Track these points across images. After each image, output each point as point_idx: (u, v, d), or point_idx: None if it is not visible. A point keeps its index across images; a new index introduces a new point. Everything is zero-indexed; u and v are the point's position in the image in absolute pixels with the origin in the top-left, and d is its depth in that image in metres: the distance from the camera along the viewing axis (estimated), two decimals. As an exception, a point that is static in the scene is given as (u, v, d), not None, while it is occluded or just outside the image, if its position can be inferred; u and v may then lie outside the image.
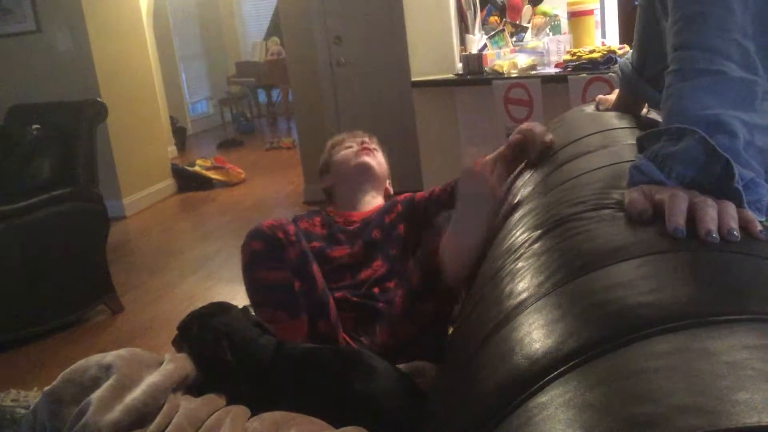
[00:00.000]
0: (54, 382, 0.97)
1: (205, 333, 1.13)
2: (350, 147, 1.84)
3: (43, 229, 2.97)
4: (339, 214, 1.78)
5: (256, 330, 1.17)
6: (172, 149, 7.18)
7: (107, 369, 0.96)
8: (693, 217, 0.68)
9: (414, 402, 1.12)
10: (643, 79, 1.33)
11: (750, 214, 0.70)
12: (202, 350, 1.12)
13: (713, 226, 0.65)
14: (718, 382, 0.42)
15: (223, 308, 1.22)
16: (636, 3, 1.32)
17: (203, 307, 1.22)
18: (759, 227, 0.68)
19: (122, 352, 1.01)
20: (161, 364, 1.04)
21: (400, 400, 1.13)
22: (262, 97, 10.06)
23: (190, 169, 6.01)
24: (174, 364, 1.03)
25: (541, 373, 0.54)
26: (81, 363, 0.99)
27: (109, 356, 0.98)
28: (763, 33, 0.81)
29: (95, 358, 0.99)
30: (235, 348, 1.12)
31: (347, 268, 1.61)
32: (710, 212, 0.67)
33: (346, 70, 4.72)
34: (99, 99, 3.66)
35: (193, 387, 1.08)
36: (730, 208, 0.69)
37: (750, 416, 0.38)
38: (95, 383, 0.95)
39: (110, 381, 0.93)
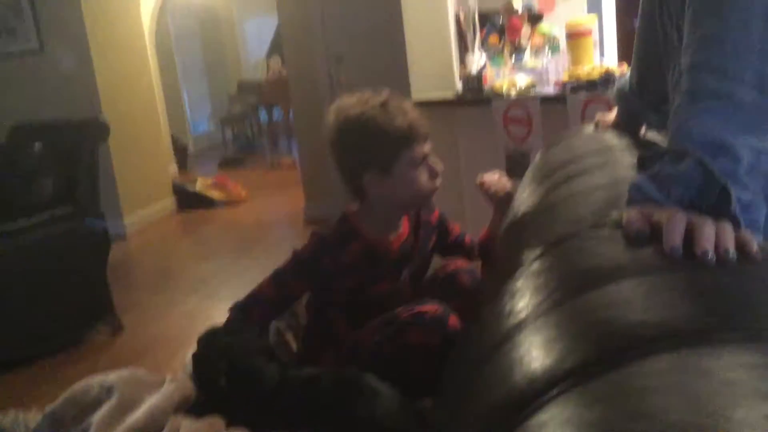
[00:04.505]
0: (55, 403, 0.97)
1: (207, 351, 1.14)
2: (421, 163, 1.37)
3: (44, 248, 2.98)
4: (378, 240, 1.39)
5: (262, 358, 1.17)
6: (173, 168, 7.20)
7: (109, 390, 0.96)
8: (690, 237, 0.68)
9: (417, 424, 1.12)
10: (643, 102, 1.34)
11: (747, 235, 0.70)
12: (198, 368, 1.12)
13: (710, 247, 0.66)
14: (715, 400, 0.42)
15: (237, 329, 1.21)
16: (635, 23, 1.33)
17: (224, 323, 1.22)
18: (756, 248, 0.68)
19: (124, 373, 1.02)
20: (162, 384, 1.04)
21: (403, 423, 1.13)
22: (263, 115, 10.11)
23: (191, 187, 6.03)
24: (175, 385, 1.03)
25: (541, 391, 0.54)
26: (82, 383, 0.99)
27: (111, 377, 0.99)
28: None
29: (97, 379, 0.99)
30: (237, 373, 1.12)
31: (385, 302, 1.36)
32: (707, 232, 0.68)
33: (347, 89, 4.74)
34: (101, 118, 3.69)
35: (195, 408, 1.08)
36: (727, 229, 0.69)
37: (746, 435, 0.38)
38: (96, 404, 0.95)
39: (111, 402, 0.93)
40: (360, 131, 1.35)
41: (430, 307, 1.29)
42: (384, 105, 1.35)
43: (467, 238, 1.59)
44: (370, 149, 1.35)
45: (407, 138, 1.33)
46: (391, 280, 1.41)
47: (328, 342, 1.40)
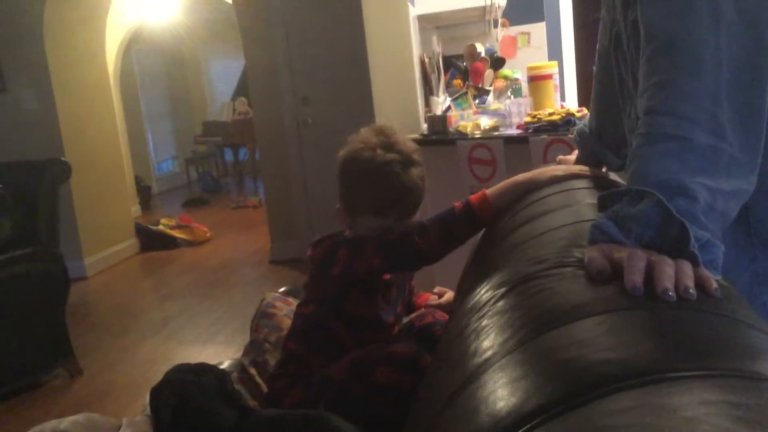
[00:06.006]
0: (6, 450, 0.93)
1: (163, 385, 1.12)
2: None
3: (1, 289, 2.90)
4: None
5: (219, 401, 1.15)
6: (136, 208, 7.13)
7: (63, 435, 0.93)
8: (650, 275, 0.69)
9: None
10: (602, 144, 1.37)
11: (706, 272, 0.72)
12: (151, 402, 1.10)
13: (670, 285, 0.67)
14: (678, 438, 0.43)
15: (199, 369, 1.20)
16: (594, 68, 1.37)
17: (190, 365, 1.21)
18: (714, 285, 0.70)
19: (78, 417, 0.99)
20: (119, 429, 1.01)
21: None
22: (228, 156, 10.10)
23: (154, 228, 5.95)
24: (131, 429, 1.00)
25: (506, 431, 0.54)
26: (35, 429, 0.96)
27: (65, 422, 0.96)
28: (737, 100, 0.84)
29: (50, 425, 0.96)
30: (186, 412, 1.10)
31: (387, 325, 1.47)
32: (667, 271, 0.69)
33: (313, 130, 4.78)
34: (63, 158, 3.64)
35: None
36: (687, 267, 0.70)
37: (708, 472, 0.39)
38: (50, 450, 0.92)
39: (65, 448, 0.90)
40: (365, 179, 1.40)
41: (403, 348, 1.29)
42: (389, 162, 1.38)
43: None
44: (369, 195, 1.40)
45: (407, 196, 1.39)
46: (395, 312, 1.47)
47: (300, 377, 1.38)
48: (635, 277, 0.68)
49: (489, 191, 1.37)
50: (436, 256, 1.35)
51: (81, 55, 5.24)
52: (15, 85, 4.87)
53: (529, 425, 0.52)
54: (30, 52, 4.79)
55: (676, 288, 0.67)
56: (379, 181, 1.37)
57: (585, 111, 2.76)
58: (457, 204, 1.37)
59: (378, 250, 1.32)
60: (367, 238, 1.35)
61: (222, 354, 3.30)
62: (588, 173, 1.34)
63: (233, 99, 9.59)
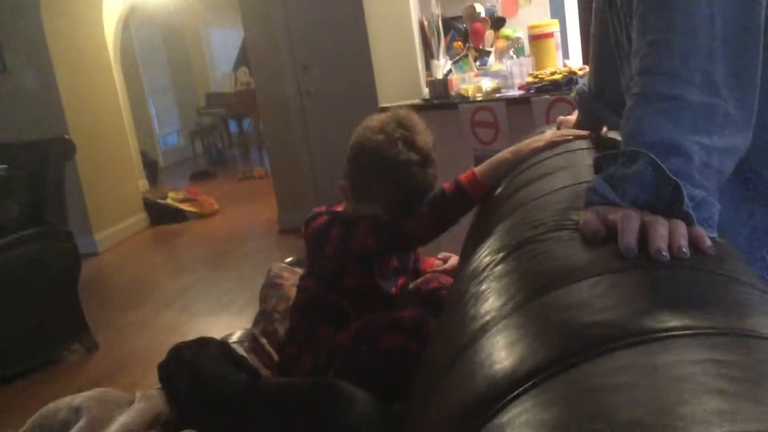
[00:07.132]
0: (23, 428, 0.96)
1: (171, 360, 1.15)
2: None
3: (13, 270, 2.94)
4: None
5: (230, 367, 1.18)
6: (143, 183, 7.15)
7: (77, 411, 0.95)
8: (645, 236, 0.70)
9: (392, 428, 1.13)
10: (601, 104, 1.37)
11: (700, 231, 0.72)
12: (162, 376, 1.13)
13: (663, 245, 0.68)
14: (664, 396, 0.44)
15: (202, 342, 1.23)
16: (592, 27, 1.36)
17: (189, 340, 1.24)
18: (708, 243, 0.70)
19: (92, 393, 1.01)
20: (132, 403, 1.04)
21: (379, 427, 1.13)
22: (233, 127, 10.07)
23: (162, 202, 5.98)
24: (146, 402, 1.03)
25: (501, 394, 0.55)
26: (50, 406, 0.99)
27: (79, 398, 0.98)
28: (731, 57, 0.84)
29: (65, 401, 0.99)
30: (202, 382, 1.12)
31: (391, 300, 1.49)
32: (660, 231, 0.69)
33: (315, 99, 4.76)
34: (67, 136, 3.65)
35: (168, 425, 1.08)
36: (680, 227, 0.71)
37: (691, 430, 0.40)
38: (65, 426, 0.94)
39: (80, 423, 0.92)
40: (383, 174, 1.40)
41: (408, 313, 1.31)
42: (409, 162, 1.39)
43: None
44: (384, 190, 1.41)
45: (421, 196, 1.41)
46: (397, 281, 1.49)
47: (308, 346, 1.41)
48: (629, 239, 0.69)
49: (477, 169, 1.39)
50: (429, 238, 1.38)
51: (79, 30, 5.21)
52: (16, 65, 4.86)
53: (522, 387, 0.53)
54: (28, 29, 4.77)
55: (670, 248, 0.68)
56: (397, 180, 1.39)
57: (587, 69, 2.73)
58: (447, 185, 1.39)
59: (371, 231, 1.34)
60: (361, 219, 1.36)
61: (236, 324, 3.34)
62: (570, 139, 1.35)
63: (235, 69, 9.52)
